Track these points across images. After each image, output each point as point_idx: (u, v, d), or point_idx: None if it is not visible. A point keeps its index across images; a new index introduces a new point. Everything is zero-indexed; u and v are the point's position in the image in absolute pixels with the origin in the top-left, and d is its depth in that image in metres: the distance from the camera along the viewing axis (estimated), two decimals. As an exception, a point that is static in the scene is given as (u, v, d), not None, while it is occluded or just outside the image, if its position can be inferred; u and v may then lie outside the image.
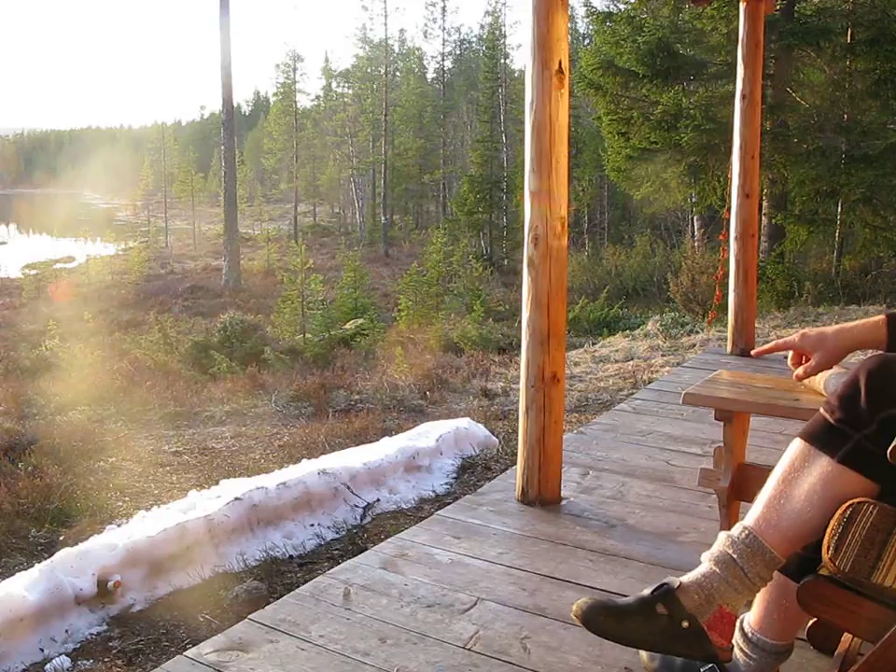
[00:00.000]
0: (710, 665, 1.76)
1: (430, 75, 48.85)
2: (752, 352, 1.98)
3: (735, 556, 1.57)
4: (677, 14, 13.65)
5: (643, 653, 1.85)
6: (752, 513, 1.60)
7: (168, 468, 5.08)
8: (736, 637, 1.73)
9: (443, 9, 43.77)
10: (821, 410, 1.59)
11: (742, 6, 5.47)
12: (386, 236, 34.67)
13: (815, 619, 1.88)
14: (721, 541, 1.62)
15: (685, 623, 1.57)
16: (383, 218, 36.49)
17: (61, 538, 3.80)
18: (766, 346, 1.88)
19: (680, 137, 12.34)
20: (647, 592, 1.63)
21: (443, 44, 42.21)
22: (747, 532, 1.58)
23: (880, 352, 1.60)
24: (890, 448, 1.45)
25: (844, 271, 13.28)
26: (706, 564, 1.61)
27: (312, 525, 3.56)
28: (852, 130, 12.02)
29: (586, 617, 1.63)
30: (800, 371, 1.80)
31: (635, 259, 20.60)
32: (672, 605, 1.58)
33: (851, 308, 9.75)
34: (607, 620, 1.61)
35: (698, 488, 2.91)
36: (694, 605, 1.57)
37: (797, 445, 1.60)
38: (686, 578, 1.62)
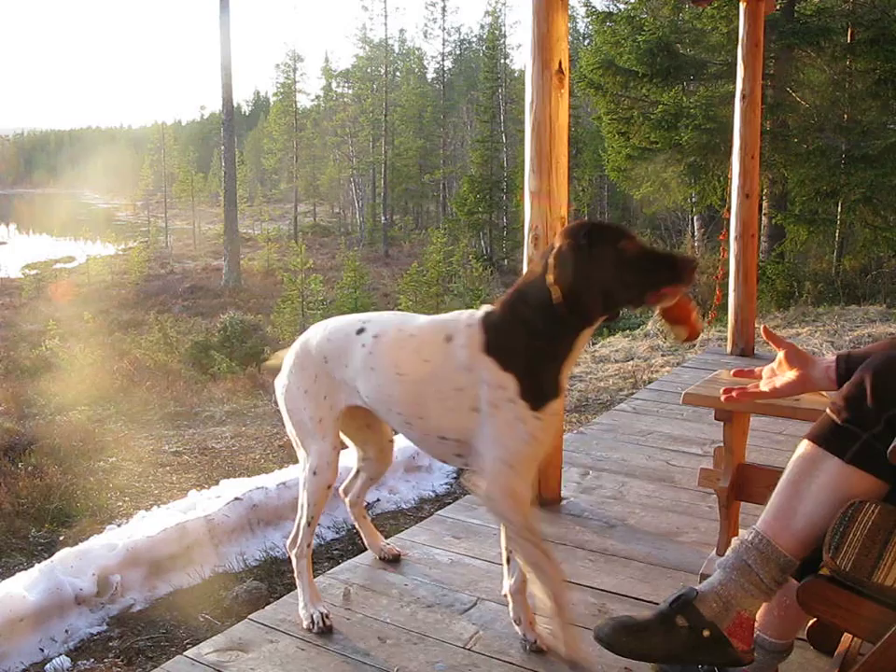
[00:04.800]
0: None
1: (430, 75, 48.84)
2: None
3: (750, 562, 1.57)
4: (677, 14, 13.66)
5: None
6: (764, 518, 1.60)
7: (168, 468, 5.08)
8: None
9: (443, 9, 43.65)
10: (828, 410, 1.58)
11: (742, 6, 5.47)
12: (386, 236, 34.68)
13: (815, 619, 1.87)
14: (735, 548, 1.61)
15: (706, 633, 1.56)
16: (383, 218, 36.49)
17: (61, 538, 3.80)
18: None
19: (680, 137, 12.35)
20: (664, 605, 1.62)
21: (443, 44, 42.18)
22: (760, 537, 1.57)
23: (885, 351, 1.59)
24: (890, 448, 1.45)
25: (844, 271, 13.28)
26: (721, 571, 1.61)
27: (312, 525, 3.55)
28: (852, 130, 12.02)
29: (609, 640, 1.62)
30: (771, 386, 1.74)
31: (635, 258, 20.56)
32: (691, 615, 1.57)
33: (851, 308, 9.74)
34: (629, 640, 1.60)
35: (698, 488, 2.90)
36: (713, 613, 1.57)
37: (805, 447, 1.59)
38: (702, 587, 1.61)
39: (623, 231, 1.85)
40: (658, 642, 1.58)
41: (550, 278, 1.81)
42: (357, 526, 2.72)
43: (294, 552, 2.33)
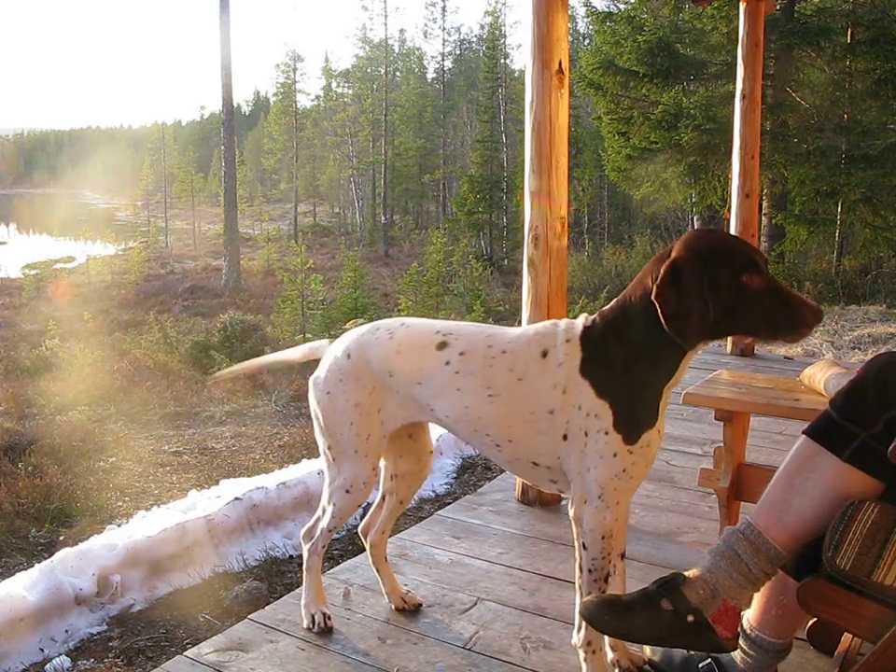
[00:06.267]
0: (707, 661, 1.77)
1: (430, 75, 48.81)
2: None
3: (739, 552, 1.57)
4: (677, 14, 13.66)
5: (646, 646, 1.86)
6: (758, 510, 1.61)
7: (168, 468, 5.08)
8: (735, 635, 1.73)
9: (443, 9, 43.69)
10: (828, 407, 1.58)
11: (742, 6, 5.46)
12: (386, 236, 34.65)
13: (815, 618, 1.88)
14: (726, 537, 1.62)
15: (690, 618, 1.57)
16: (383, 218, 36.46)
17: (61, 538, 3.80)
18: None
19: (680, 137, 12.34)
20: (651, 586, 1.63)
21: (443, 44, 42.09)
22: (752, 528, 1.58)
23: (886, 350, 1.60)
24: (891, 448, 1.45)
25: (844, 271, 13.29)
26: (710, 559, 1.61)
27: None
28: (852, 130, 12.03)
29: (592, 618, 1.63)
30: None
31: (635, 259, 20.53)
32: (677, 600, 1.58)
33: (851, 308, 9.75)
34: (612, 618, 1.61)
35: (698, 488, 2.91)
36: (699, 599, 1.58)
37: (803, 443, 1.60)
38: (691, 573, 1.62)
39: (753, 261, 1.65)
40: (641, 623, 1.59)
41: (655, 291, 1.64)
42: (375, 572, 2.39)
43: (308, 546, 2.23)
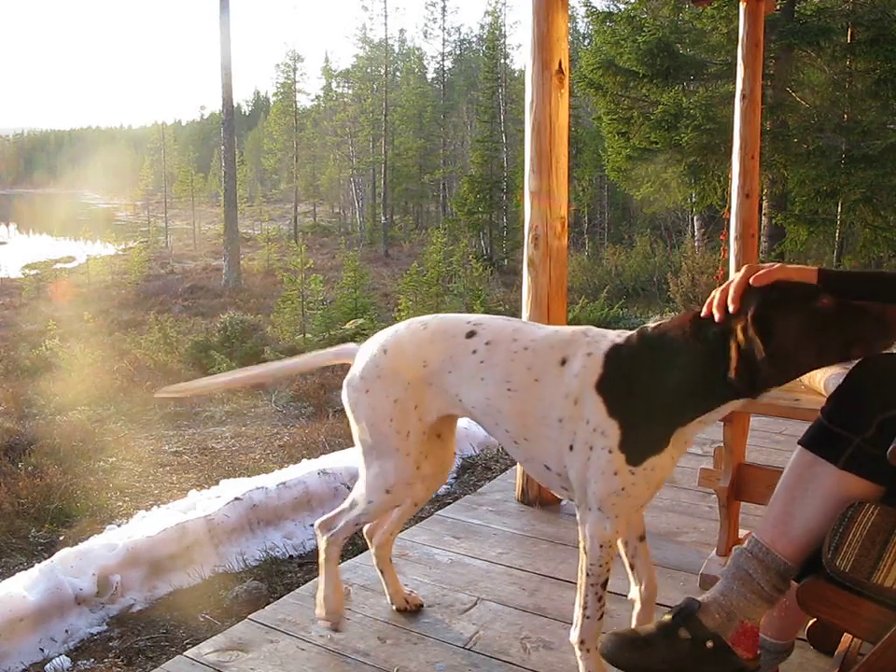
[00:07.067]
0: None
1: (430, 75, 48.82)
2: None
3: (750, 571, 1.57)
4: (677, 14, 13.66)
5: None
6: (763, 526, 1.60)
7: (168, 468, 5.08)
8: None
9: (443, 9, 43.65)
10: (820, 415, 1.58)
11: (742, 5, 5.46)
12: (386, 236, 34.64)
13: (815, 619, 1.88)
14: (735, 557, 1.61)
15: (709, 643, 1.57)
16: (383, 218, 36.45)
17: (61, 538, 3.81)
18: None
19: (680, 137, 12.34)
20: (667, 617, 1.62)
21: (443, 44, 42.07)
22: (759, 546, 1.58)
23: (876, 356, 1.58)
24: (890, 449, 1.45)
25: (844, 271, 13.26)
26: (723, 581, 1.61)
27: (312, 525, 3.55)
28: (852, 130, 12.02)
29: (612, 655, 1.63)
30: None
31: (635, 259, 20.54)
32: (694, 627, 1.58)
33: (851, 308, 9.73)
34: (633, 655, 1.61)
35: (698, 488, 2.91)
36: (716, 624, 1.57)
37: (799, 453, 1.59)
38: (705, 598, 1.62)
39: (811, 287, 1.56)
40: (662, 656, 1.58)
41: (732, 374, 1.55)
42: (379, 573, 2.39)
43: (328, 536, 2.19)
